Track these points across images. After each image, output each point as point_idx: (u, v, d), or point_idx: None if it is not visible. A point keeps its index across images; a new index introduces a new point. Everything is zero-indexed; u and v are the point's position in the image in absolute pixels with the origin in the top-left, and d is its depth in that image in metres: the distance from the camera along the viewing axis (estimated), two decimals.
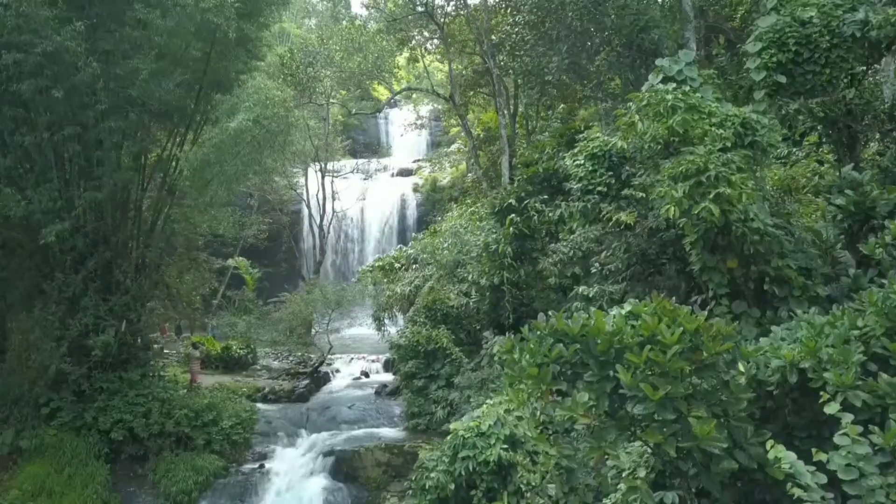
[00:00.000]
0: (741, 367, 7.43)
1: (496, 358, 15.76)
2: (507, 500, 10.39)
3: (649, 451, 7.88)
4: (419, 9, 33.85)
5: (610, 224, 12.71)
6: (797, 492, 6.22)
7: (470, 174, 39.66)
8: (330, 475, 17.55)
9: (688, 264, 11.24)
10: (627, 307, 8.00)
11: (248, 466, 18.05)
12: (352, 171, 49.52)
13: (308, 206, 42.61)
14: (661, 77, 12.08)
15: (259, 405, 21.45)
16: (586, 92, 24.51)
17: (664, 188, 9.84)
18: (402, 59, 43.86)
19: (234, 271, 36.79)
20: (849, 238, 10.87)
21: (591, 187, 13.15)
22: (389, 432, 19.62)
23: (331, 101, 41.19)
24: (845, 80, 12.00)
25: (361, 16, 48.75)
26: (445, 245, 23.29)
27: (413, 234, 37.77)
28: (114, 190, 18.03)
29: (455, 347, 19.30)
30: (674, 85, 11.19)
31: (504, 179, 28.72)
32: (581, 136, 15.67)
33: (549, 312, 8.37)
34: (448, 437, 11.66)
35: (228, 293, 35.72)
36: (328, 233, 41.82)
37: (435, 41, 37.13)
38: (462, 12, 33.34)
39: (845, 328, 7.83)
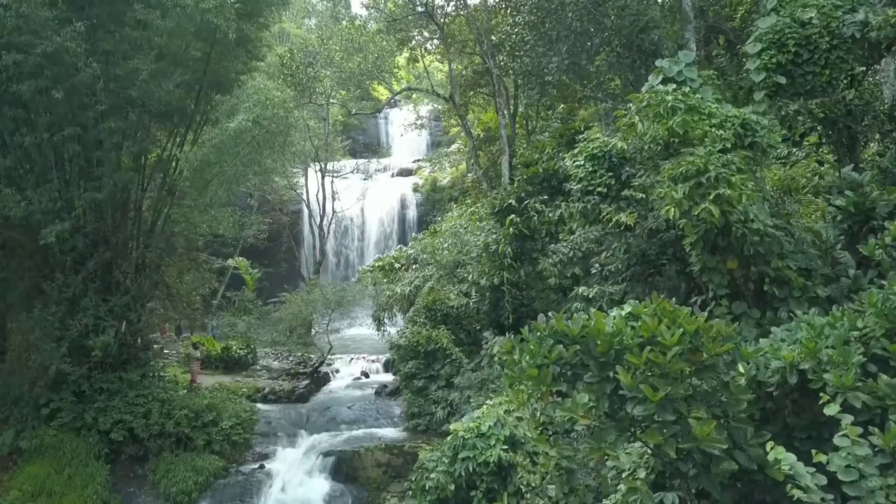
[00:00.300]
0: (741, 369, 7.44)
1: (496, 358, 15.77)
2: (507, 500, 10.39)
3: (649, 451, 7.88)
4: (419, 9, 33.84)
5: (610, 225, 12.71)
6: (797, 493, 6.22)
7: (470, 174, 39.67)
8: (330, 476, 17.57)
9: (688, 265, 11.24)
10: (627, 308, 8.01)
11: (248, 467, 18.07)
12: (352, 171, 49.54)
13: (308, 207, 42.61)
14: (660, 78, 12.09)
15: (259, 405, 21.46)
16: (586, 92, 24.50)
17: (664, 189, 9.84)
18: (401, 60, 43.85)
19: (234, 271, 36.78)
20: (849, 239, 10.87)
21: (591, 188, 13.15)
22: (389, 433, 19.63)
23: (331, 101, 41.18)
24: (845, 81, 12.00)
25: (361, 16, 48.79)
26: (445, 245, 23.29)
27: (413, 234, 37.80)
28: (114, 190, 18.04)
29: (455, 348, 19.31)
30: (674, 86, 11.19)
31: (504, 179, 28.72)
32: (581, 136, 15.68)
33: (549, 313, 8.38)
34: (448, 438, 11.66)
35: (228, 293, 35.71)
36: (328, 233, 41.82)
37: (435, 41, 37.12)
38: (462, 12, 33.34)
39: (845, 329, 7.84)
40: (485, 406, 12.23)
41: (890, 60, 13.28)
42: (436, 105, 46.95)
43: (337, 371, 27.28)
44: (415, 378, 19.62)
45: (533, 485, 10.16)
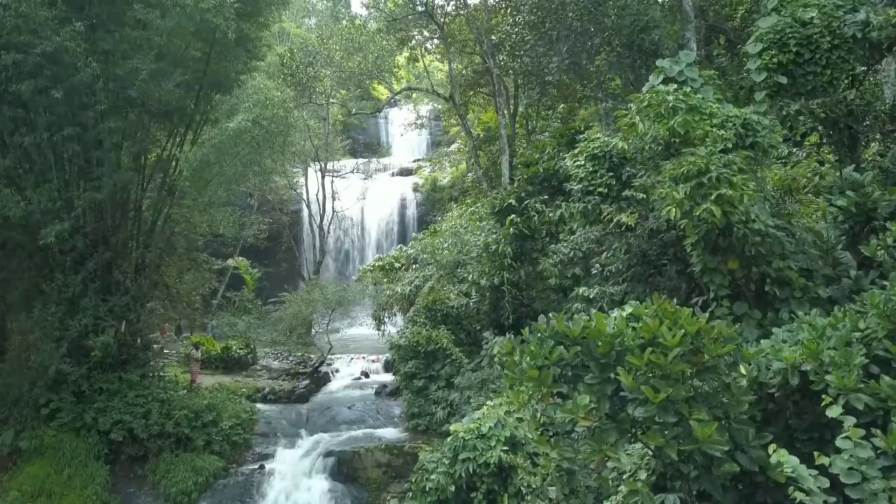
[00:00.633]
0: (743, 370, 7.41)
1: (496, 359, 15.74)
2: (508, 502, 10.37)
3: (650, 453, 7.86)
4: (419, 8, 33.79)
5: (612, 225, 12.67)
6: (799, 496, 6.19)
7: (470, 174, 39.63)
8: (330, 476, 17.57)
9: (688, 265, 11.22)
10: (628, 309, 7.98)
11: (247, 467, 18.04)
12: (352, 171, 49.53)
13: (308, 206, 42.59)
14: (661, 78, 12.05)
15: (259, 406, 21.44)
16: (586, 92, 24.46)
17: (665, 189, 9.81)
18: (401, 59, 43.81)
19: (234, 271, 36.76)
20: (850, 239, 10.83)
21: (591, 188, 13.11)
22: (389, 433, 19.61)
23: (331, 100, 41.13)
24: (846, 81, 11.97)
25: (361, 15, 48.72)
26: (445, 245, 23.26)
27: (413, 233, 37.76)
28: (113, 190, 18.01)
29: (455, 348, 19.29)
30: (675, 86, 11.16)
31: (504, 179, 28.69)
32: (582, 136, 15.64)
33: (550, 314, 8.35)
34: (448, 439, 11.63)
35: (228, 293, 35.69)
36: (328, 233, 41.79)
37: (435, 41, 37.08)
38: (462, 12, 33.30)
39: (847, 330, 7.81)
40: (485, 407, 12.21)
41: (891, 60, 13.25)
42: (436, 105, 46.92)
43: (337, 371, 27.26)
44: (415, 378, 19.61)
45: (533, 486, 10.14)
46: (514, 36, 23.08)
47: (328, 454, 18.04)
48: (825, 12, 11.68)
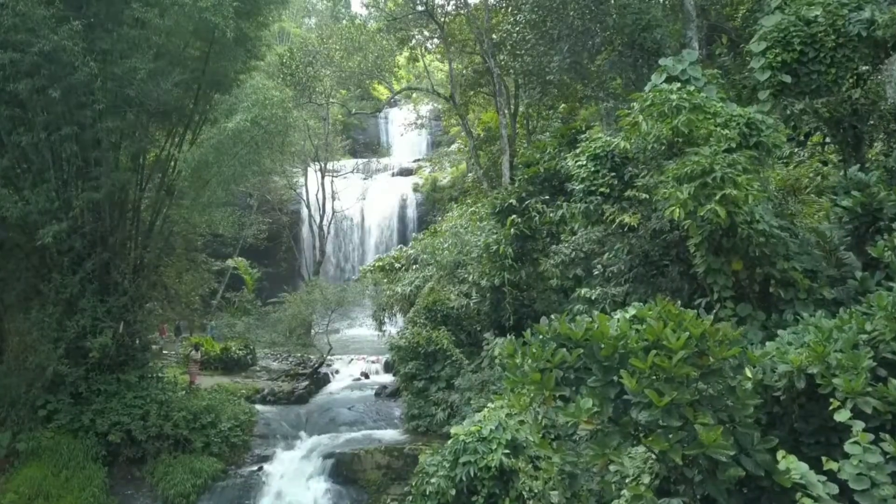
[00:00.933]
0: (748, 373, 7.29)
1: (497, 360, 15.62)
2: None
3: (653, 456, 7.74)
4: (419, 8, 33.66)
5: (614, 226, 12.54)
6: (808, 502, 6.06)
7: (470, 174, 39.52)
8: (329, 478, 17.46)
9: (691, 266, 11.11)
10: (632, 311, 7.87)
11: (246, 469, 17.95)
12: (352, 171, 49.39)
13: (308, 206, 42.46)
14: (664, 76, 11.94)
15: (258, 407, 21.32)
16: (587, 92, 24.33)
17: (669, 189, 9.69)
18: (402, 59, 43.69)
19: (234, 272, 36.63)
20: (855, 240, 10.73)
21: (593, 188, 12.98)
22: (389, 434, 19.49)
23: (330, 100, 41.01)
24: (851, 80, 11.85)
25: (361, 15, 48.64)
26: (446, 245, 23.14)
27: (413, 233, 37.63)
28: (112, 190, 17.89)
29: (455, 349, 19.18)
30: (678, 84, 11.04)
31: (504, 179, 28.58)
32: (583, 136, 15.52)
33: (552, 316, 8.24)
34: (449, 442, 11.52)
35: (228, 294, 35.57)
36: (328, 233, 41.66)
37: (435, 40, 36.96)
38: (462, 12, 33.19)
39: (853, 332, 7.69)
40: (486, 409, 12.09)
41: (894, 59, 13.11)
42: (436, 105, 46.79)
43: (336, 372, 27.13)
44: (415, 379, 19.51)
45: (535, 491, 10.01)
46: (514, 35, 22.95)
47: (328, 456, 17.92)
48: (830, 10, 11.57)
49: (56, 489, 16.12)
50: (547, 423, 10.66)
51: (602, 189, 12.86)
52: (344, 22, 45.25)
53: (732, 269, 9.98)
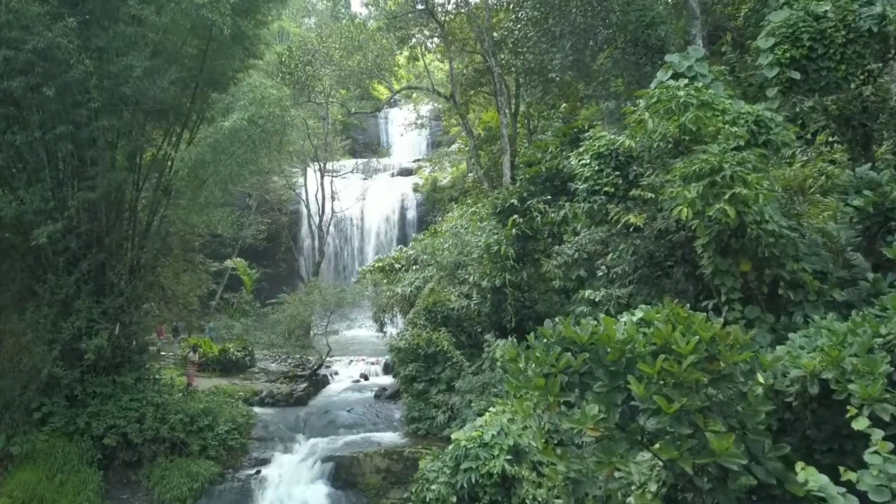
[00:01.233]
0: (760, 378, 7.03)
1: (498, 363, 15.38)
2: None
3: (660, 463, 7.50)
4: (419, 6, 33.42)
5: (619, 226, 12.27)
6: None
7: (471, 174, 39.29)
8: (328, 481, 17.24)
9: (697, 267, 10.87)
10: (639, 314, 7.62)
11: (244, 472, 17.70)
12: (351, 171, 49.19)
13: (307, 206, 42.23)
14: (670, 73, 11.68)
15: (256, 409, 21.10)
16: (588, 91, 24.09)
17: (676, 188, 9.43)
18: (402, 59, 43.47)
19: (232, 272, 36.40)
20: (866, 240, 10.47)
21: (597, 187, 12.70)
22: (389, 437, 19.26)
23: (330, 100, 40.78)
24: (861, 77, 11.59)
25: (361, 14, 48.36)
26: (446, 246, 22.92)
27: (413, 234, 37.39)
28: (108, 190, 17.64)
29: (456, 350, 18.97)
30: (685, 81, 10.78)
31: (505, 179, 28.35)
32: (587, 134, 15.26)
33: (557, 319, 8.00)
34: (449, 448, 11.26)
35: (227, 294, 35.33)
36: (327, 233, 41.43)
37: (435, 40, 36.72)
38: (463, 10, 32.96)
39: (868, 336, 7.44)
40: (487, 414, 11.83)
41: None
42: (436, 104, 46.59)
43: (336, 373, 26.91)
44: (415, 381, 19.31)
45: (539, 499, 9.76)
46: (516, 32, 22.68)
47: (326, 459, 17.69)
48: (839, 6, 11.32)
49: (50, 493, 15.88)
50: (549, 427, 10.45)
51: (606, 188, 12.58)
52: (344, 22, 44.96)
53: (740, 271, 9.73)
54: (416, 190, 45.75)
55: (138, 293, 19.00)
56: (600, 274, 13.39)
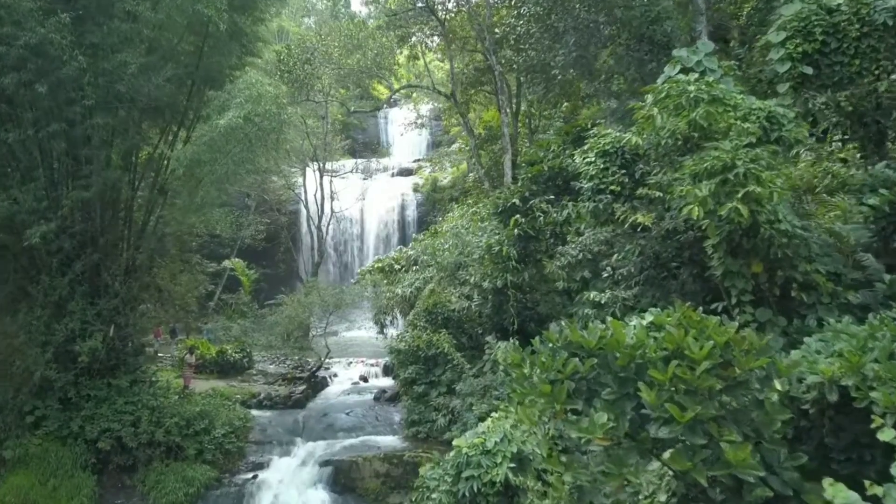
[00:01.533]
0: (778, 385, 6.70)
1: (501, 366, 15.07)
2: None
3: (670, 472, 7.19)
4: (419, 4, 33.10)
5: (626, 225, 11.92)
6: None
7: (471, 174, 38.98)
8: (327, 486, 16.97)
9: (706, 269, 10.55)
10: (649, 317, 7.31)
11: (241, 477, 17.39)
12: (351, 171, 48.92)
13: (306, 207, 41.93)
14: (678, 68, 11.35)
15: (254, 412, 20.81)
16: (589, 90, 23.77)
17: (685, 187, 9.10)
18: (401, 58, 43.16)
19: (231, 273, 36.09)
20: (881, 240, 10.14)
21: (602, 186, 12.36)
22: (389, 440, 18.97)
23: (329, 99, 40.47)
24: (875, 72, 11.25)
25: (361, 13, 48.11)
26: (446, 246, 22.62)
27: (413, 234, 37.10)
28: (103, 189, 17.34)
29: (456, 352, 18.68)
30: (695, 75, 10.45)
31: (506, 179, 28.04)
32: (591, 132, 14.93)
33: (563, 322, 7.70)
34: (451, 454, 10.93)
35: (225, 296, 35.02)
36: (327, 233, 41.13)
37: (436, 38, 36.41)
38: (463, 8, 32.65)
39: (888, 340, 7.12)
40: (489, 419, 11.49)
41: None
42: (436, 104, 46.30)
43: (335, 375, 26.62)
44: (415, 384, 19.04)
45: None
46: (518, 29, 22.32)
47: (325, 463, 17.41)
48: None
49: (43, 498, 15.60)
50: (554, 433, 10.11)
51: (612, 187, 12.24)
52: (344, 21, 44.66)
53: (752, 272, 9.40)
54: (416, 190, 45.48)
55: (133, 294, 18.69)
56: (605, 275, 13.05)
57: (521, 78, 29.25)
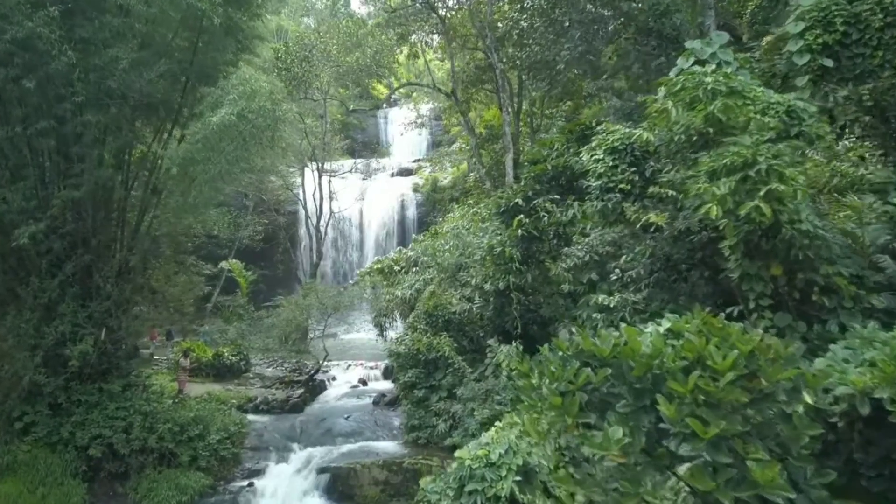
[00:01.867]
0: (808, 398, 6.21)
1: (504, 372, 14.60)
2: None
3: (686, 488, 6.71)
4: (419, 1, 32.62)
5: (638, 226, 11.41)
6: None
7: (472, 173, 38.54)
8: (325, 494, 16.47)
9: (719, 271, 10.07)
10: (666, 323, 6.83)
11: (236, 484, 16.92)
12: (350, 171, 48.51)
13: (305, 207, 41.48)
14: (692, 60, 10.86)
15: (250, 416, 20.31)
16: (592, 89, 23.30)
17: (702, 185, 8.60)
18: (401, 57, 42.72)
19: (228, 274, 35.61)
20: None
21: (611, 184, 11.85)
22: (388, 446, 18.48)
23: (328, 98, 40.01)
24: None
25: (360, 12, 47.61)
26: (447, 247, 22.15)
27: (413, 235, 36.64)
28: (94, 188, 16.84)
29: (457, 356, 18.21)
30: (712, 67, 9.96)
31: (508, 178, 27.59)
32: (598, 129, 14.41)
33: (572, 328, 7.22)
34: (453, 466, 10.44)
35: (222, 298, 34.54)
36: (325, 234, 40.67)
37: (436, 36, 35.95)
38: (464, 5, 32.18)
39: None
40: (493, 429, 11.00)
41: None
42: (436, 103, 45.88)
43: (333, 378, 26.15)
44: (415, 388, 18.55)
45: None
46: (522, 23, 21.80)
47: (322, 470, 16.91)
48: None
49: None
50: (560, 444, 9.63)
51: (622, 185, 11.73)
52: (343, 20, 44.22)
53: (770, 275, 8.90)
54: (416, 190, 45.07)
55: (126, 297, 18.18)
56: (613, 277, 12.54)
57: (524, 76, 28.76)
